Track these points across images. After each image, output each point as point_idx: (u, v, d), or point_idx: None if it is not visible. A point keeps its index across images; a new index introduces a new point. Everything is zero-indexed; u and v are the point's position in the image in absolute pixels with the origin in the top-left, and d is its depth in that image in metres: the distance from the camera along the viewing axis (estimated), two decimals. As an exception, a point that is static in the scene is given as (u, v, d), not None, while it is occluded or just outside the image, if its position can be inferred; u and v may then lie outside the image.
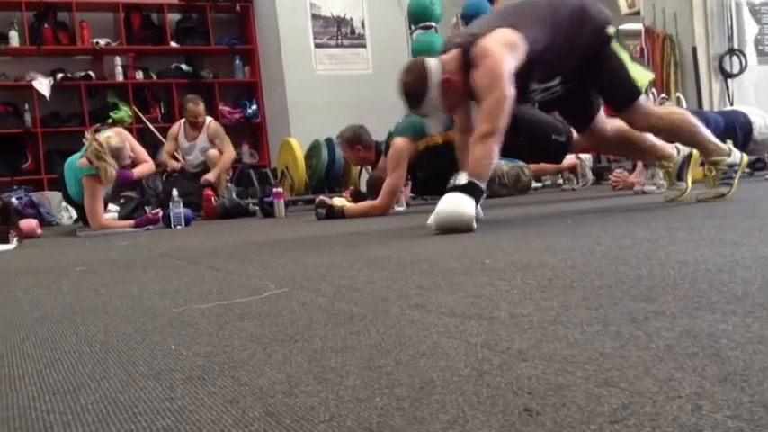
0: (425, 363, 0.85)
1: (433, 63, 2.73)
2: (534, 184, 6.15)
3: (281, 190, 5.32)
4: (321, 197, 4.57)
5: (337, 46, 7.93)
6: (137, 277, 2.13)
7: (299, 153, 6.59)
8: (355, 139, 4.61)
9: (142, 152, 4.96)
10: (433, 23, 6.50)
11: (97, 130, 4.65)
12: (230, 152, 6.30)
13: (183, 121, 6.43)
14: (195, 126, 6.33)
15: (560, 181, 6.31)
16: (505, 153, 2.99)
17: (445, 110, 2.81)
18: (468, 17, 6.34)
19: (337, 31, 7.95)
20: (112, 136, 4.46)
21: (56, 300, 1.74)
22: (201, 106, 6.31)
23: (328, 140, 6.59)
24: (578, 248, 1.85)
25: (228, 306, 1.44)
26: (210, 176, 6.01)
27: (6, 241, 3.69)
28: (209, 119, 6.49)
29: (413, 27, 6.66)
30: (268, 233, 3.67)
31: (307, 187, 6.57)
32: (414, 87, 2.73)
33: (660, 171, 3.51)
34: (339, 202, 4.43)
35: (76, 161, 4.62)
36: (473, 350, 0.88)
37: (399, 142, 4.16)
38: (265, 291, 1.61)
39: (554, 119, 3.76)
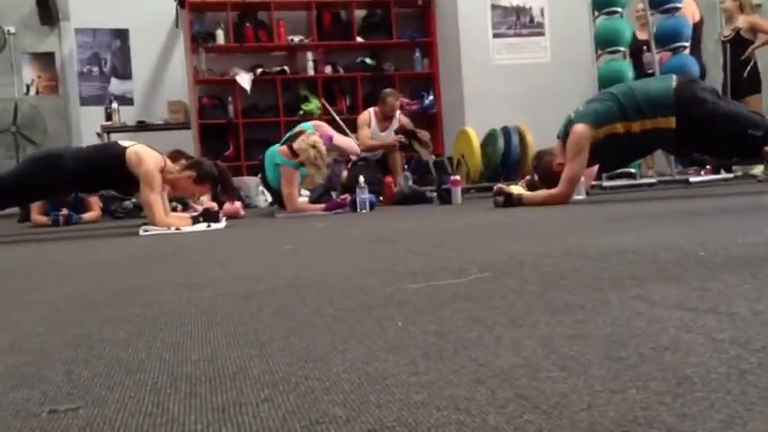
0: (672, 358, 0.84)
1: None
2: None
3: (458, 178, 5.38)
4: (499, 185, 4.57)
5: (515, 35, 7.86)
6: (341, 256, 2.26)
7: (476, 142, 6.61)
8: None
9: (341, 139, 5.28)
10: (618, 8, 6.24)
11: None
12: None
13: (372, 110, 6.65)
14: (388, 118, 6.56)
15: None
16: (705, 150, 2.85)
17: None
18: (655, 3, 6.03)
19: (516, 21, 7.89)
20: (319, 143, 4.70)
21: (276, 275, 1.89)
22: (399, 102, 6.61)
23: (504, 129, 6.56)
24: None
25: (438, 287, 1.50)
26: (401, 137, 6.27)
27: (217, 220, 4.03)
28: (398, 112, 6.74)
29: (596, 13, 6.42)
30: (450, 219, 3.74)
31: (482, 176, 6.59)
32: None
33: None
34: (516, 190, 4.41)
35: (277, 150, 4.94)
36: (722, 347, 0.86)
37: (580, 129, 4.01)
38: (468, 274, 1.65)
39: (751, 112, 3.52)
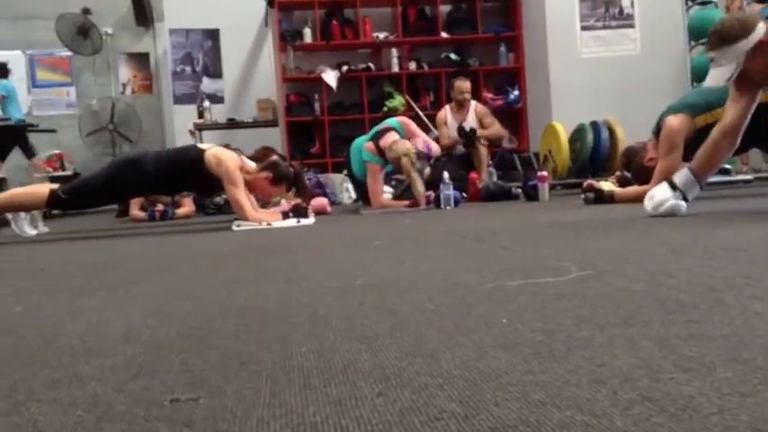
0: (806, 360, 0.80)
1: (761, 23, 2.69)
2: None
3: (545, 173, 5.28)
4: (589, 181, 4.45)
5: (604, 27, 7.67)
6: (433, 252, 2.25)
7: (564, 137, 6.46)
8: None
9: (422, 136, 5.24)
10: (713, -2, 6.00)
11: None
12: (501, 128, 6.52)
13: (448, 106, 6.63)
14: (461, 105, 6.50)
15: None
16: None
17: (741, 67, 2.69)
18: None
19: (605, 13, 7.70)
20: (411, 153, 4.71)
21: (370, 270, 1.90)
22: (468, 83, 6.51)
23: (593, 124, 6.39)
24: None
25: (539, 285, 1.48)
26: (477, 131, 6.21)
27: (306, 216, 4.09)
28: (473, 102, 6.64)
29: (689, 3, 6.18)
30: (538, 216, 3.67)
31: (569, 171, 6.44)
32: (731, 28, 2.71)
33: None
34: (606, 186, 4.28)
35: (363, 144, 4.97)
36: None
37: (674, 122, 3.84)
38: (568, 272, 1.62)
39: None
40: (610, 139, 6.28)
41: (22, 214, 4.13)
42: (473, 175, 5.82)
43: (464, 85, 6.50)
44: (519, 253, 2.11)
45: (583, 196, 4.23)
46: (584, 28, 7.58)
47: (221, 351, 1.08)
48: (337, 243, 2.84)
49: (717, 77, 2.78)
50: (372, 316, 1.28)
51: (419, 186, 4.81)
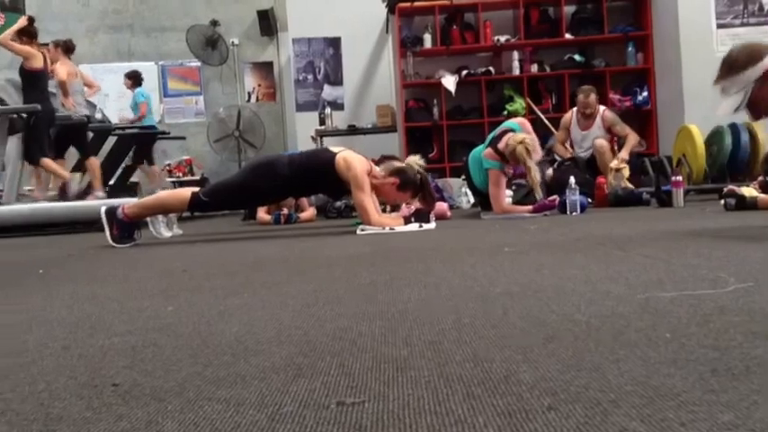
0: None
1: None
2: None
3: (679, 178, 5.03)
4: (730, 186, 4.21)
5: (742, 25, 7.27)
6: (569, 260, 2.18)
7: (699, 140, 6.15)
8: None
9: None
10: None
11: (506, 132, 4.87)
12: (634, 134, 6.25)
13: (575, 109, 6.47)
14: (587, 116, 6.33)
15: None
16: None
17: (750, 95, 2.64)
18: None
19: (743, 9, 7.30)
20: (527, 140, 4.63)
21: (506, 277, 1.86)
22: (592, 98, 6.27)
23: (732, 126, 6.04)
24: None
25: (696, 297, 1.40)
26: (623, 154, 5.98)
27: (428, 221, 4.09)
28: (601, 108, 6.43)
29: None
30: (676, 222, 3.49)
31: (706, 176, 6.12)
32: (738, 57, 2.66)
33: None
34: (748, 192, 4.04)
35: (481, 152, 4.92)
36: None
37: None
38: (726, 284, 1.52)
39: None
40: (750, 142, 5.93)
41: (160, 217, 4.35)
42: (600, 179, 5.64)
43: (586, 101, 6.25)
44: (665, 262, 2.00)
45: (723, 202, 4.02)
46: (720, 26, 7.22)
47: (374, 354, 1.08)
48: (465, 249, 2.81)
49: (726, 107, 2.72)
50: (520, 325, 1.25)
51: (535, 175, 4.70)
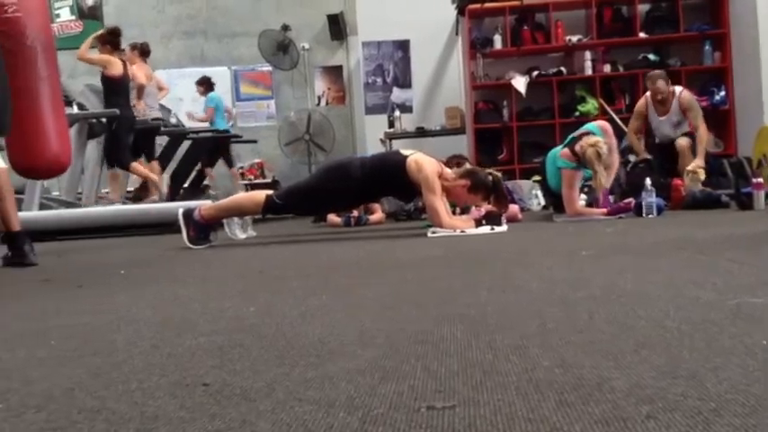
0: None
1: None
2: None
3: (760, 180, 4.83)
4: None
5: (825, 20, 6.95)
6: (651, 264, 2.12)
7: (781, 141, 5.91)
8: None
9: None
10: None
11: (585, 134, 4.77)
12: (704, 129, 5.92)
13: (649, 95, 6.20)
14: (662, 101, 6.08)
15: None
16: None
17: None
18: None
19: (827, 4, 6.98)
20: (600, 144, 4.54)
21: (586, 281, 1.81)
22: (660, 84, 5.99)
23: (817, 126, 5.79)
24: None
25: (792, 306, 1.34)
26: (699, 161, 5.73)
27: (500, 223, 4.04)
28: (677, 89, 6.10)
29: None
30: (759, 225, 3.36)
31: (787, 179, 5.88)
32: None
33: None
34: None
35: (558, 154, 4.84)
36: None
37: None
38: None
39: None
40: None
41: (236, 219, 4.44)
42: (677, 181, 5.47)
43: (656, 87, 6.00)
44: (752, 266, 1.93)
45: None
46: (802, 23, 6.93)
47: (459, 359, 1.07)
48: (541, 251, 2.77)
49: None
50: (608, 331, 1.22)
51: (603, 180, 4.59)
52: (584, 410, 0.80)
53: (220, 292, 2.08)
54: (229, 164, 9.16)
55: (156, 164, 7.44)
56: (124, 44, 7.14)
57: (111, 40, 6.75)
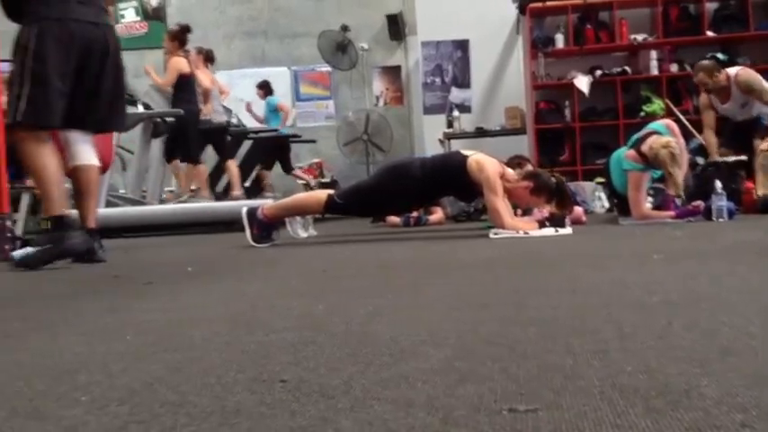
0: None
1: None
2: None
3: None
4: None
5: None
6: (727, 269, 2.05)
7: None
8: None
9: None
10: None
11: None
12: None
13: None
14: (716, 90, 5.80)
15: None
16: None
17: None
18: None
19: None
20: (671, 144, 4.43)
21: (662, 285, 1.77)
22: (700, 77, 5.67)
23: None
24: None
25: None
26: None
27: (564, 225, 3.98)
28: (732, 71, 5.77)
29: None
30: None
31: None
32: None
33: None
34: None
35: (624, 155, 4.74)
36: None
37: None
38: None
39: None
40: None
41: (298, 218, 4.48)
42: (748, 184, 5.29)
43: (700, 80, 5.69)
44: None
45: None
46: None
47: (538, 362, 1.05)
48: (608, 254, 2.71)
49: None
50: (688, 336, 1.18)
51: (678, 180, 4.48)
52: (673, 417, 0.77)
53: (286, 290, 2.10)
54: (287, 168, 9.24)
55: (233, 163, 7.59)
56: (187, 46, 7.29)
57: (180, 37, 6.93)
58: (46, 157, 3.11)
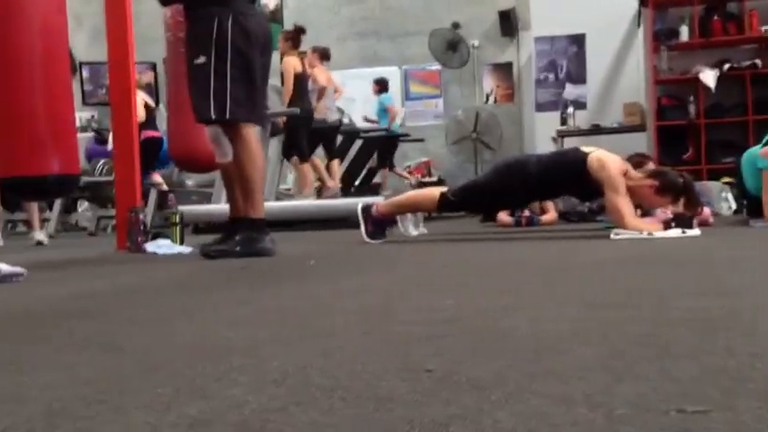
0: None
1: None
2: None
3: None
4: None
5: None
6: None
7: None
8: None
9: None
10: None
11: None
12: None
13: None
14: None
15: None
16: None
17: None
18: None
19: None
20: None
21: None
22: None
23: None
24: None
25: None
26: None
27: (691, 226, 3.79)
28: None
29: None
30: None
31: None
32: None
33: None
34: None
35: (758, 152, 4.48)
36: None
37: None
38: None
39: None
40: None
41: (409, 215, 4.49)
42: None
43: None
44: None
45: None
46: None
47: (697, 363, 1.00)
48: (746, 257, 2.56)
49: None
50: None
51: None
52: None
53: (410, 284, 2.10)
54: (390, 165, 9.29)
55: (336, 163, 7.73)
56: (303, 47, 7.46)
57: (294, 38, 7.11)
58: (261, 160, 3.25)
